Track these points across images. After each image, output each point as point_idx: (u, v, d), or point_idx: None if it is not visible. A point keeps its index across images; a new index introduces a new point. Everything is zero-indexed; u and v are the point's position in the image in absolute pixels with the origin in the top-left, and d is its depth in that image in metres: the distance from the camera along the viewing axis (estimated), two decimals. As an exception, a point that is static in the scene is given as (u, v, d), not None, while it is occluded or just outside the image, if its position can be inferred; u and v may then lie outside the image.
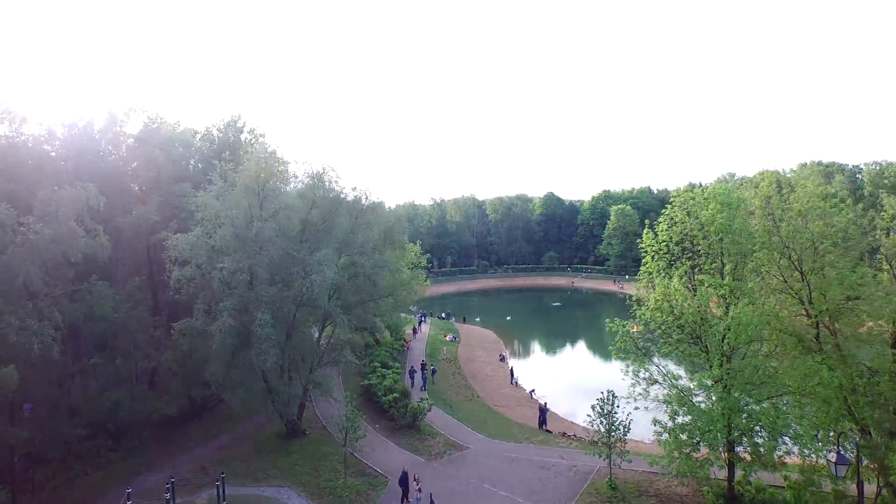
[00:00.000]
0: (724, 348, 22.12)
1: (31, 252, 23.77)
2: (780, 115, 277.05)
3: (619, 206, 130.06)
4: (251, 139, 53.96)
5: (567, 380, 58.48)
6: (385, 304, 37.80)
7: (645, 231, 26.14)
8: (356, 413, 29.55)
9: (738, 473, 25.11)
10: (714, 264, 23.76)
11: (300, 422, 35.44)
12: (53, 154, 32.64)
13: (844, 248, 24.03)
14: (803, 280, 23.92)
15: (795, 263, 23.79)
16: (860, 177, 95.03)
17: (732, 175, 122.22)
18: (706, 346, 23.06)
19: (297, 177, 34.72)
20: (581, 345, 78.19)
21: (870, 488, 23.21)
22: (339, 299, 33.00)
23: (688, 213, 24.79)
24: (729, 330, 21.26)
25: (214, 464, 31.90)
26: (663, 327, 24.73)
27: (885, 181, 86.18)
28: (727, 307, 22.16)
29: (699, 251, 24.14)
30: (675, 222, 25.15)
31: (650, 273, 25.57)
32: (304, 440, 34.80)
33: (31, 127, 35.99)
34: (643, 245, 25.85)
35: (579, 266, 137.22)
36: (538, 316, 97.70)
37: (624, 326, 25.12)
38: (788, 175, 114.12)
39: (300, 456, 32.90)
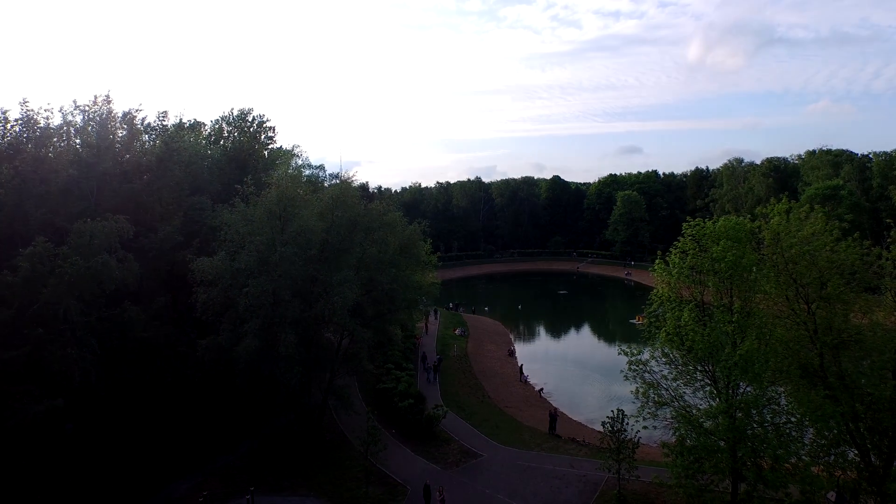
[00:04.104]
0: (731, 382, 23.16)
1: (68, 285, 24.84)
2: (787, 100, 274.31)
3: (626, 191, 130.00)
4: (265, 140, 54.75)
5: (575, 372, 60.00)
6: (402, 315, 38.99)
7: (657, 262, 26.92)
8: (377, 428, 30.93)
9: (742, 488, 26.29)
10: (723, 300, 24.62)
11: (320, 428, 36.93)
12: (76, 174, 33.38)
13: (851, 279, 24.80)
14: (809, 311, 24.79)
15: (802, 296, 24.63)
16: (870, 167, 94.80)
17: (740, 161, 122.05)
18: (714, 377, 24.10)
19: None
20: (589, 335, 79.70)
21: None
22: (358, 315, 34.10)
23: (698, 245, 25.51)
24: (736, 367, 22.23)
25: (241, 472, 33.50)
26: (675, 353, 25.70)
27: (895, 173, 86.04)
28: (734, 344, 23.05)
29: (708, 285, 24.99)
30: (687, 253, 25.90)
31: (661, 303, 26.43)
32: (324, 447, 36.31)
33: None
34: (655, 277, 26.70)
35: (585, 251, 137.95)
36: (545, 304, 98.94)
37: (636, 353, 26.09)
38: (796, 162, 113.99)
39: (322, 464, 34.43)
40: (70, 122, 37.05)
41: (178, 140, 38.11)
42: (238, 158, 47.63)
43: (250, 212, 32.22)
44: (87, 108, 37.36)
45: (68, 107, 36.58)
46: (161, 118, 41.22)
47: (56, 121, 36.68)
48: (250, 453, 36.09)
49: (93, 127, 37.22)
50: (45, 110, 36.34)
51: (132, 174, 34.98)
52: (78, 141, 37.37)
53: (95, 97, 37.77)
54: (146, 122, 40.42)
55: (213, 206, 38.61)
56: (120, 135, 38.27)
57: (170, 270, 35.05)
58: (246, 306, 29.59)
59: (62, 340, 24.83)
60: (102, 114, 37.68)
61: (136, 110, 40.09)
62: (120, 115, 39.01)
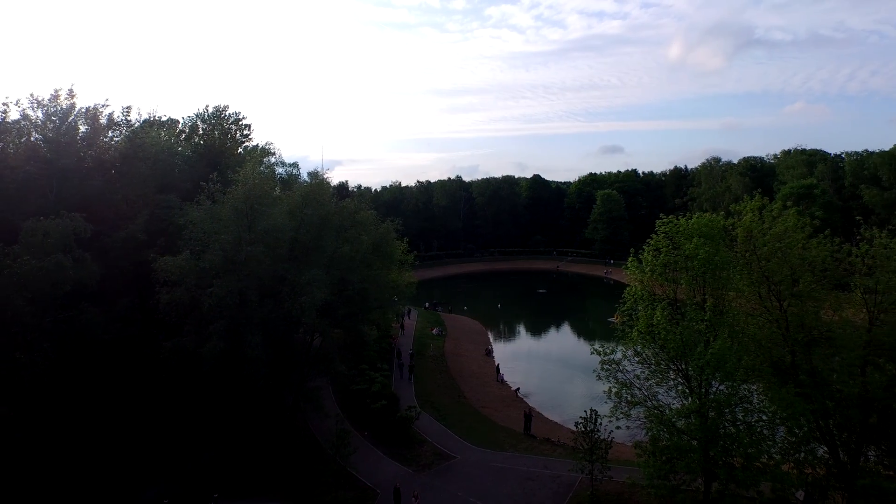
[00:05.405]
0: (704, 381, 22.92)
1: (18, 286, 23.70)
2: (766, 101, 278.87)
3: (605, 190, 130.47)
4: (240, 138, 53.43)
5: (553, 371, 59.71)
6: (375, 314, 38.30)
7: (630, 259, 26.64)
8: (346, 432, 30.22)
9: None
10: (696, 298, 24.42)
11: (290, 431, 36.06)
12: (34, 170, 32.08)
13: (822, 276, 24.77)
14: (781, 309, 24.71)
15: (774, 293, 24.53)
16: (842, 167, 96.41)
17: (718, 160, 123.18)
18: (687, 375, 23.84)
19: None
20: (568, 334, 79.66)
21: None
22: (328, 315, 33.33)
23: (672, 243, 25.29)
24: (709, 365, 22.00)
25: (206, 477, 32.43)
26: (647, 352, 25.42)
27: (865, 172, 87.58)
28: (707, 342, 22.83)
29: (681, 283, 24.77)
30: (660, 251, 25.67)
31: (634, 300, 26.15)
32: (294, 450, 35.41)
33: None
34: (628, 275, 26.42)
35: (565, 249, 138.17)
36: (524, 303, 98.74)
37: (609, 353, 25.73)
38: (772, 162, 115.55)
39: (291, 468, 33.53)
40: (28, 116, 35.58)
41: (145, 136, 36.81)
42: (210, 155, 46.42)
43: (216, 209, 31.26)
44: (47, 103, 35.95)
45: (26, 101, 35.11)
46: (126, 113, 39.91)
47: (14, 115, 35.25)
48: (217, 458, 34.98)
49: (53, 122, 35.84)
50: (3, 104, 34.93)
51: (95, 171, 33.71)
52: (38, 136, 35.96)
53: (57, 91, 36.37)
54: (111, 118, 39.05)
55: (181, 204, 37.49)
56: (82, 130, 36.90)
57: (135, 270, 33.84)
58: (211, 307, 28.66)
59: (12, 344, 23.68)
60: (64, 108, 36.31)
61: (103, 105, 38.68)
62: (83, 110, 37.67)
